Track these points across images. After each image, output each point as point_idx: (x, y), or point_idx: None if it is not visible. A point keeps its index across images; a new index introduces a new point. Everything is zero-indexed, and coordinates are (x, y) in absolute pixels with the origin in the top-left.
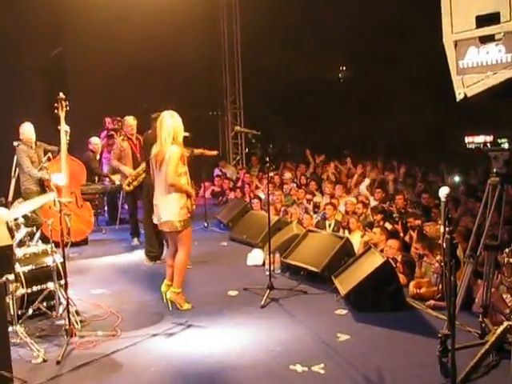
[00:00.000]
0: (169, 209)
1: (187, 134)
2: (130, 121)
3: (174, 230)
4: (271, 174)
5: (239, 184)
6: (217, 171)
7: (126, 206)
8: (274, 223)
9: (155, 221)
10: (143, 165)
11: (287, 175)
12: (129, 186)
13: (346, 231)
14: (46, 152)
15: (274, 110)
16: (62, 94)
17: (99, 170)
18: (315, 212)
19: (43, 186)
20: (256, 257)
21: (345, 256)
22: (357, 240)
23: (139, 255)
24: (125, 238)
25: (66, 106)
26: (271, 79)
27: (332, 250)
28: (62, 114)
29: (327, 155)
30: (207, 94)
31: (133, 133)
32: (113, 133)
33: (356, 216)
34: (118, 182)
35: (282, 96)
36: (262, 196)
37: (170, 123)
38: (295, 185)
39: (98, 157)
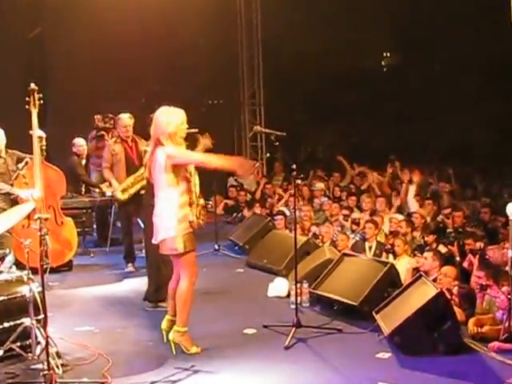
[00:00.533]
0: (165, 223)
1: (194, 130)
2: (125, 120)
3: (173, 252)
4: (298, 184)
5: (258, 196)
6: (231, 181)
7: (119, 224)
8: (302, 245)
9: (154, 240)
10: (141, 170)
11: (318, 186)
12: (123, 192)
13: (391, 256)
14: (18, 161)
15: (301, 106)
16: (33, 85)
17: (86, 178)
18: (353, 231)
19: (15, 203)
20: (279, 287)
21: (389, 286)
22: (403, 267)
23: (135, 284)
24: (117, 263)
25: (40, 99)
26: (298, 69)
27: (373, 279)
28: (35, 111)
29: (367, 162)
30: (219, 86)
31: (128, 135)
32: (103, 133)
33: (403, 237)
34: (109, 194)
35: (312, 89)
36: (287, 212)
37: (164, 120)
38: (327, 198)
39: (83, 162)
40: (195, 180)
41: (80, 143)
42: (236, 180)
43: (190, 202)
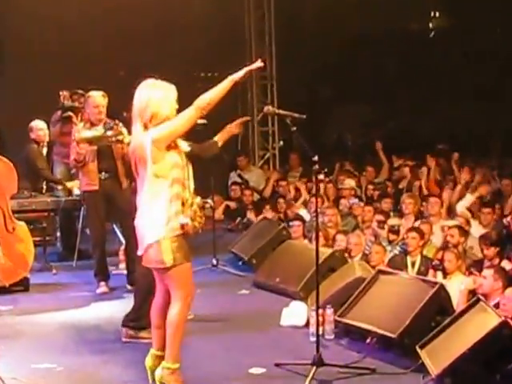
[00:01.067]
0: (150, 222)
1: (203, 121)
2: (97, 99)
3: (159, 265)
4: (321, 181)
5: (268, 196)
6: (233, 177)
7: (89, 231)
8: (325, 260)
9: (139, 251)
10: None
11: (347, 183)
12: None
13: (440, 274)
14: None
15: (325, 80)
16: None
17: (47, 173)
18: (390, 242)
19: None
20: (295, 313)
21: (437, 314)
22: (456, 288)
23: (108, 309)
24: (86, 282)
25: None
26: (320, 33)
27: (417, 304)
28: None
29: (409, 152)
30: (219, 55)
31: (101, 117)
32: (70, 114)
33: (455, 250)
34: (78, 192)
35: (338, 59)
36: (307, 216)
37: (147, 96)
38: (358, 199)
39: (44, 150)
40: (188, 171)
41: (39, 127)
42: (240, 176)
43: (183, 200)
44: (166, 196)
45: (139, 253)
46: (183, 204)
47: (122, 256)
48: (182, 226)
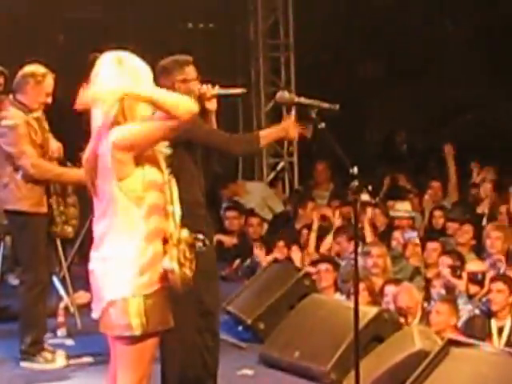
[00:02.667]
0: (118, 272)
1: (240, 90)
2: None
3: (123, 332)
4: (366, 205)
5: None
6: (226, 203)
7: (12, 279)
8: (368, 324)
9: (94, 312)
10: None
11: (401, 207)
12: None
13: None
14: None
15: (366, 52)
16: None
17: None
18: (471, 298)
19: None
20: None
21: None
22: None
23: None
24: (10, 357)
25: None
26: None
27: None
28: None
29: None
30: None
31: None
32: None
33: None
34: None
35: (384, 25)
36: (341, 260)
37: (114, 74)
38: (417, 232)
39: None
40: (171, 191)
41: None
42: (234, 202)
43: (165, 235)
44: (139, 233)
45: (94, 315)
46: (166, 241)
47: (61, 317)
48: (165, 275)
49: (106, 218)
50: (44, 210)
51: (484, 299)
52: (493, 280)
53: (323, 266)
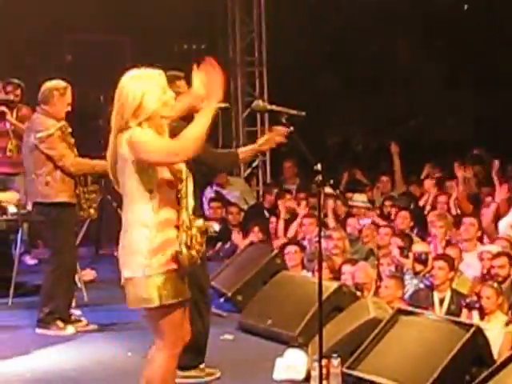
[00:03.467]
0: (133, 254)
1: (225, 104)
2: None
3: (142, 304)
4: (329, 196)
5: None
6: (210, 192)
7: (28, 259)
8: (330, 296)
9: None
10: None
11: (357, 198)
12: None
13: (475, 313)
14: None
15: (327, 66)
16: None
17: None
18: (416, 274)
19: None
20: (292, 364)
21: (472, 365)
22: (497, 332)
23: (58, 358)
24: (27, 325)
25: None
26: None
27: (447, 353)
28: None
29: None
30: (195, 27)
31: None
32: (3, 109)
33: (495, 284)
34: (13, 210)
35: (343, 35)
36: (306, 241)
37: (129, 91)
38: (369, 220)
39: None
40: (187, 187)
41: None
42: (217, 191)
43: (178, 222)
44: (150, 222)
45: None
46: (177, 227)
47: None
48: (174, 257)
49: (124, 207)
50: (75, 200)
51: (427, 275)
52: (435, 258)
53: (292, 248)
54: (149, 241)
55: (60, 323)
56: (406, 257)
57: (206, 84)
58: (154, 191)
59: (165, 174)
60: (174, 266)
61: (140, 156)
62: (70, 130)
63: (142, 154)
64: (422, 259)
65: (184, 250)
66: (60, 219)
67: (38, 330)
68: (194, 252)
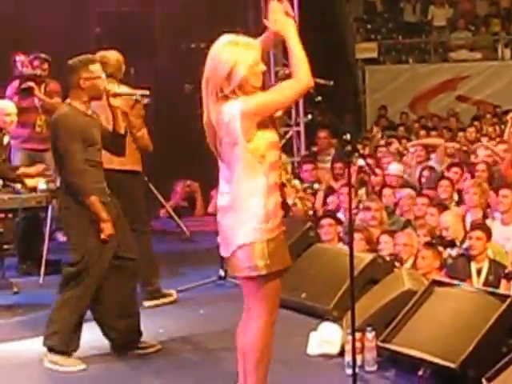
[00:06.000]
0: (245, 220)
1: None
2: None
3: (250, 273)
4: (362, 168)
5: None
6: None
7: (60, 236)
8: (364, 269)
9: (223, 252)
10: None
11: (393, 168)
12: None
13: None
14: None
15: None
16: None
17: (6, 166)
18: (447, 245)
19: None
20: (327, 338)
21: (509, 337)
22: None
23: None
24: None
25: None
26: None
27: (483, 325)
28: None
29: None
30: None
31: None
32: (30, 85)
33: None
34: (43, 186)
35: None
36: (342, 214)
37: (224, 59)
38: (411, 189)
39: (6, 139)
40: (280, 150)
41: (7, 111)
42: None
43: (282, 182)
44: (262, 186)
45: (224, 254)
46: (284, 185)
47: None
48: (282, 222)
49: (231, 177)
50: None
51: (464, 245)
52: (472, 229)
53: (327, 221)
54: (262, 205)
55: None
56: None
57: (284, 14)
58: (266, 156)
59: (272, 136)
60: (284, 228)
61: (262, 113)
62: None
63: (263, 109)
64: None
65: (298, 203)
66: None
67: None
68: (308, 203)
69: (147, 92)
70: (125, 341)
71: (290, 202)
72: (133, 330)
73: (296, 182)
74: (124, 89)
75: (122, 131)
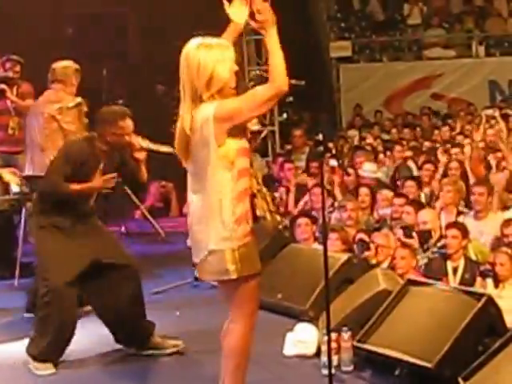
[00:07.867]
0: (215, 227)
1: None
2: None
3: (221, 277)
4: (335, 168)
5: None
6: None
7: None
8: (340, 269)
9: (194, 257)
10: None
11: (367, 168)
12: None
13: (490, 282)
14: None
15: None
16: None
17: None
18: (423, 244)
19: None
20: (302, 339)
21: (485, 335)
22: (511, 300)
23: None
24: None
25: None
26: None
27: (459, 324)
28: None
29: None
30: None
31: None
32: (2, 87)
33: (509, 251)
34: (15, 189)
35: None
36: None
37: (197, 60)
38: (387, 188)
39: None
40: (252, 159)
41: None
42: None
43: (253, 192)
44: (232, 193)
45: (195, 260)
46: (255, 196)
47: None
48: (247, 222)
49: (199, 182)
50: None
51: (439, 244)
52: (448, 227)
53: (302, 220)
54: (232, 212)
55: None
56: (411, 236)
57: (262, 10)
58: (235, 162)
59: (243, 143)
60: (250, 239)
61: (237, 118)
62: (85, 109)
63: (238, 114)
64: (425, 237)
65: (266, 215)
66: None
67: None
68: (276, 216)
69: (171, 150)
70: (133, 341)
71: (259, 213)
72: (140, 330)
73: (266, 193)
74: (148, 143)
75: (145, 179)
